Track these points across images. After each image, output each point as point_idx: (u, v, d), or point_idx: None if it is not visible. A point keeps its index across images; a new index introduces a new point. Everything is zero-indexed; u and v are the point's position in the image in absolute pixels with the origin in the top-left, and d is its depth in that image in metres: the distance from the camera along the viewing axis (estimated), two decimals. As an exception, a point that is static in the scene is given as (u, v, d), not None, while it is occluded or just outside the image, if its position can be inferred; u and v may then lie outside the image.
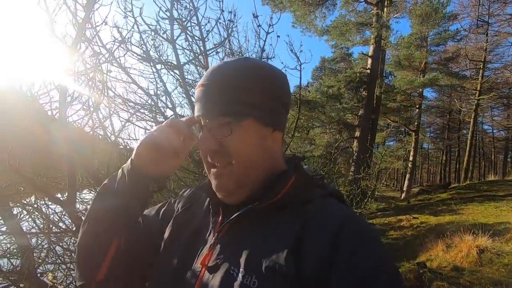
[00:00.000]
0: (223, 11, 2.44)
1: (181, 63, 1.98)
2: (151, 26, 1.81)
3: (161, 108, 2.66)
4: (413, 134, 15.39)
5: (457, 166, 23.85)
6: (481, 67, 16.43)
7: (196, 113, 0.62)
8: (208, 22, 2.42)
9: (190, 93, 2.44)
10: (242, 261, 0.53)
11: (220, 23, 2.54)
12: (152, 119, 2.99)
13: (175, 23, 1.85)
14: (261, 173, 0.62)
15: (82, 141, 2.12)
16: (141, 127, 2.79)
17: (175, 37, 2.02)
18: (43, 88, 1.93)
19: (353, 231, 0.52)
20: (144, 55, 1.88)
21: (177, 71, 2.16)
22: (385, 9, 11.16)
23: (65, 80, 1.71)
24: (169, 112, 2.72)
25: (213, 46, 2.53)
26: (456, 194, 9.81)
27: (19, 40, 1.70)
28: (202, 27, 2.47)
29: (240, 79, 0.59)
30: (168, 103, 2.66)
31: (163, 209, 0.76)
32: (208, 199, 0.69)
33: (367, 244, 0.51)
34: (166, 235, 0.69)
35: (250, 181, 0.61)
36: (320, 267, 0.49)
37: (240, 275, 0.51)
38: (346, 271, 0.48)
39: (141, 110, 3.11)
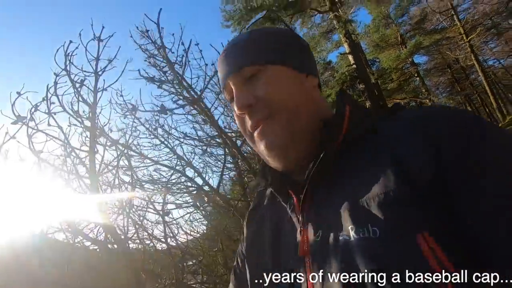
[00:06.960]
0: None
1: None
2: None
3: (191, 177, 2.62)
4: (427, 101, 14.91)
5: (487, 110, 22.58)
6: (454, 13, 16.48)
7: (223, 80, 0.58)
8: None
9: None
10: (346, 220, 0.43)
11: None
12: (185, 190, 2.91)
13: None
14: (309, 121, 0.54)
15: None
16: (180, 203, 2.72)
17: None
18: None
19: (453, 123, 0.41)
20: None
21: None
22: (339, 9, 11.69)
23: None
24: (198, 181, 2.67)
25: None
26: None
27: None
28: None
29: (262, 36, 0.59)
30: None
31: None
32: (269, 189, 0.63)
33: (484, 131, 0.40)
34: (246, 255, 0.64)
35: (301, 129, 0.53)
36: (436, 173, 0.39)
37: (352, 233, 0.41)
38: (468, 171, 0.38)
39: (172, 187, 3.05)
